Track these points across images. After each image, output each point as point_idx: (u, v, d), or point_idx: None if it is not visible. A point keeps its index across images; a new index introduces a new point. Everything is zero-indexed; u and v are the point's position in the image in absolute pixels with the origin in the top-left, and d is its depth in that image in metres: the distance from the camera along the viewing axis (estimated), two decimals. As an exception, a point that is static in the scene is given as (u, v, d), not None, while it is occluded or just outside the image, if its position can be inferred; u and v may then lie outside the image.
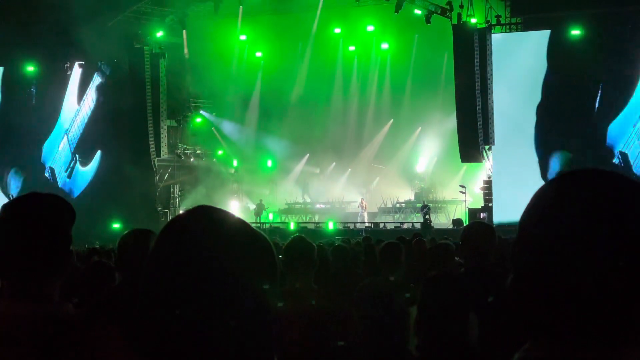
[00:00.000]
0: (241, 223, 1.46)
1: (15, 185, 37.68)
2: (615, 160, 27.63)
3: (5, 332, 2.36)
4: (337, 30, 35.99)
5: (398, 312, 6.51)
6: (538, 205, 1.32)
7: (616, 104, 27.84)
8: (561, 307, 1.24)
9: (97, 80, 37.13)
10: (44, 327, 2.37)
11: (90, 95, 37.21)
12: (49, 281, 2.46)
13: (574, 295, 1.23)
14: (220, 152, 38.55)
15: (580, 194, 1.28)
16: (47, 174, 37.93)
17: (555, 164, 28.28)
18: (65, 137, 37.67)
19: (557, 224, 1.27)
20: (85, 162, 37.03)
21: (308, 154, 38.10)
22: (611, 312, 1.22)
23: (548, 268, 1.25)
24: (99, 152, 36.53)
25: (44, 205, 2.51)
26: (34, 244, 2.43)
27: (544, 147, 28.76)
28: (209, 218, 1.44)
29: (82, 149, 37.18)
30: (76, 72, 37.38)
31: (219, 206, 1.52)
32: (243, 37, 37.01)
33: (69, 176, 37.57)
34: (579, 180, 1.31)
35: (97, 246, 14.90)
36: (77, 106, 37.51)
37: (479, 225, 5.93)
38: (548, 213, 1.29)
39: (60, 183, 37.57)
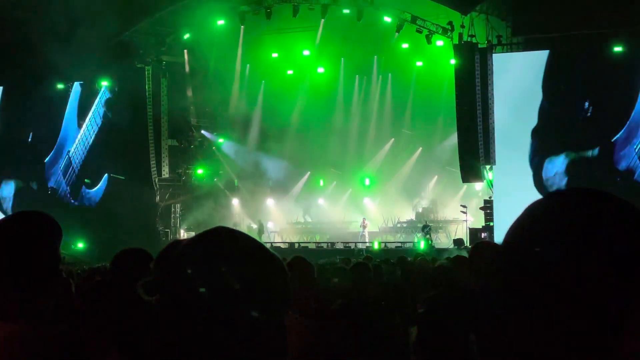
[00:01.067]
0: (257, 244, 1.48)
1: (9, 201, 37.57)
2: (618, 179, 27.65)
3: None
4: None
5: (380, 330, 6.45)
6: (526, 222, 1.29)
7: (614, 123, 27.87)
8: (547, 328, 1.21)
9: (98, 100, 37.07)
10: (33, 348, 2.34)
11: (92, 116, 37.07)
12: (37, 300, 2.42)
13: (562, 315, 1.20)
14: (221, 172, 38.54)
15: (571, 212, 1.26)
16: (48, 192, 37.73)
17: (551, 170, 28.33)
18: (69, 159, 37.47)
19: (545, 241, 1.24)
20: (92, 184, 36.77)
21: (309, 172, 38.12)
22: (601, 329, 1.20)
23: (534, 287, 1.22)
24: (105, 176, 36.35)
25: (29, 223, 2.48)
26: (18, 263, 2.39)
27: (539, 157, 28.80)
28: (227, 239, 1.46)
29: (89, 172, 36.87)
30: (77, 92, 37.29)
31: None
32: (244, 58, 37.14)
33: (74, 197, 37.27)
34: (569, 199, 1.29)
35: (98, 266, 14.87)
36: (78, 127, 37.36)
37: (486, 246, 5.82)
38: (536, 231, 1.26)
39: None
